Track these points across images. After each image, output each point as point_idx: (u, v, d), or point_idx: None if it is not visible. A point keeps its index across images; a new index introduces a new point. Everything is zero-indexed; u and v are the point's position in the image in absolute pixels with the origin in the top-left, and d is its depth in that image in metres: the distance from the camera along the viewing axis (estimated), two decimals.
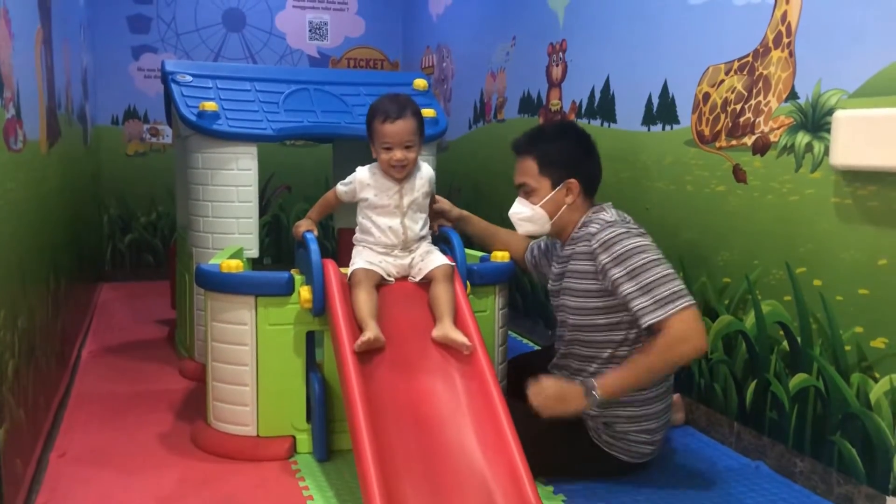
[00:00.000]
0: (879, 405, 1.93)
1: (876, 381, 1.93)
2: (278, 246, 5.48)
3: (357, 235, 2.30)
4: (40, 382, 2.32)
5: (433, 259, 2.22)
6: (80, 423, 2.55)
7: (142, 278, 5.19)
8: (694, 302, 1.94)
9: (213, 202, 2.85)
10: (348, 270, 2.21)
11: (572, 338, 2.17)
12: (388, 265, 2.23)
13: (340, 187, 2.31)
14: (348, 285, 2.18)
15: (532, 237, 2.53)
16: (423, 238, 2.29)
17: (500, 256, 2.53)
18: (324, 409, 2.25)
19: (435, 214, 2.46)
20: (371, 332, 2.01)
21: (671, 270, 1.97)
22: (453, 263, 2.24)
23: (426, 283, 2.21)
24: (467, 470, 1.88)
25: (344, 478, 2.14)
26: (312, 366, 2.31)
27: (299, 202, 5.51)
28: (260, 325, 2.26)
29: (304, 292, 2.21)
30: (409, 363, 2.11)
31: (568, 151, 2.18)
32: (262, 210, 5.18)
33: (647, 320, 1.93)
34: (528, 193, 2.22)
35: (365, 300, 2.10)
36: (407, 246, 2.26)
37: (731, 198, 2.42)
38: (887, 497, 1.91)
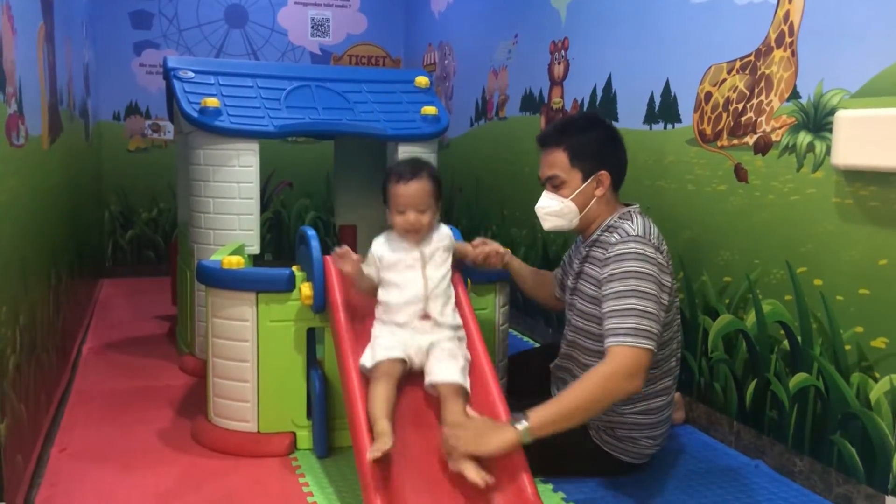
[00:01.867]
0: (879, 405, 1.93)
1: (876, 380, 1.94)
2: (279, 242, 5.49)
3: (378, 311, 2.10)
4: (41, 378, 2.32)
5: (447, 369, 1.96)
6: (80, 418, 2.55)
7: (143, 274, 5.19)
8: (654, 351, 1.89)
9: (214, 198, 2.85)
10: (367, 356, 2.00)
11: (573, 339, 2.17)
12: (408, 347, 2.00)
13: (365, 270, 2.11)
14: (367, 376, 1.99)
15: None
16: (448, 306, 2.08)
17: None
18: (324, 405, 2.25)
19: (482, 258, 2.33)
20: (385, 441, 1.78)
21: (656, 311, 1.90)
22: (465, 385, 1.96)
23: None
24: None
25: (344, 474, 2.14)
26: (313, 362, 2.32)
27: (301, 198, 5.51)
28: (261, 321, 2.26)
29: (306, 289, 2.21)
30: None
31: (598, 143, 2.13)
32: (264, 206, 5.18)
33: (610, 342, 1.87)
34: (558, 186, 2.14)
35: (382, 399, 1.89)
36: (429, 303, 2.04)
37: (732, 197, 2.42)
38: (886, 497, 1.92)
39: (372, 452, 1.76)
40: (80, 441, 2.36)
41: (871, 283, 1.95)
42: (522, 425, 1.78)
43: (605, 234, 2.10)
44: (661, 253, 2.01)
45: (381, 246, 2.12)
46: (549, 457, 2.03)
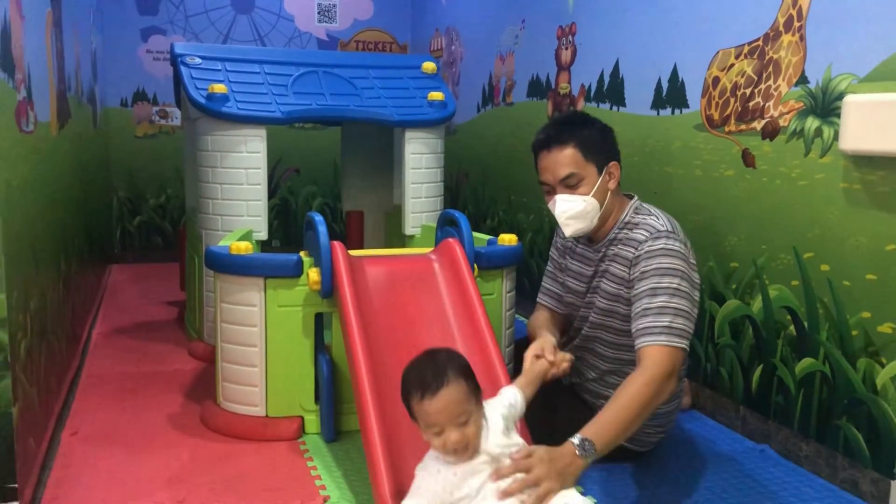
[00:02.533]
0: (885, 390, 1.93)
1: (882, 366, 1.94)
2: (287, 228, 5.50)
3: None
4: (52, 363, 2.35)
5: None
6: (91, 402, 2.58)
7: (151, 260, 5.21)
8: (687, 350, 1.87)
9: (222, 184, 2.86)
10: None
11: (592, 335, 2.13)
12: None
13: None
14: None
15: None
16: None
17: (508, 240, 2.54)
18: (332, 389, 2.27)
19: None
20: None
21: (689, 308, 1.88)
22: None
23: (435, 262, 2.04)
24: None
25: (352, 458, 2.16)
26: (321, 347, 2.33)
27: (308, 185, 5.52)
28: (269, 306, 2.27)
29: (313, 274, 2.22)
30: (417, 345, 2.11)
31: (602, 135, 2.08)
32: (271, 192, 5.19)
33: (645, 341, 1.84)
34: (576, 185, 2.01)
35: None
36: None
37: (739, 182, 2.42)
38: (892, 481, 1.92)
39: None
40: (91, 424, 2.39)
41: (879, 268, 1.95)
42: (587, 446, 1.65)
43: (626, 231, 2.04)
44: (688, 247, 1.99)
45: (430, 481, 1.61)
46: (558, 444, 2.04)
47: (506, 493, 1.57)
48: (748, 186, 2.38)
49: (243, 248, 2.29)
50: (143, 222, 5.33)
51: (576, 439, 1.67)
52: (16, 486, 1.76)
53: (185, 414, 2.48)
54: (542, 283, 2.34)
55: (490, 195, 4.37)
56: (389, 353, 2.07)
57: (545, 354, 1.91)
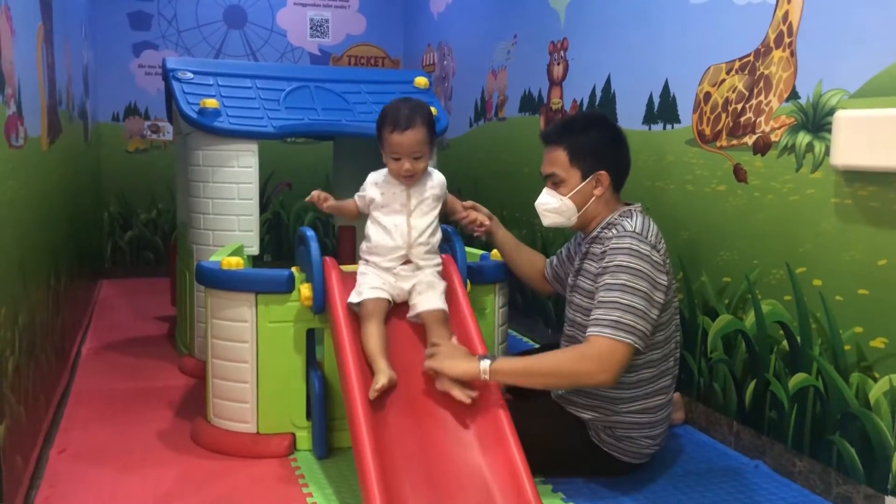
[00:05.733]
0: (879, 405, 1.93)
1: (875, 381, 1.94)
2: (279, 243, 5.49)
3: (363, 248, 2.22)
4: (40, 379, 2.32)
5: (428, 299, 2.11)
6: (79, 419, 2.55)
7: (142, 275, 5.19)
8: (635, 346, 1.91)
9: (213, 199, 2.85)
10: (355, 294, 2.13)
11: (571, 334, 2.18)
12: (392, 289, 2.14)
13: (357, 197, 2.26)
14: (356, 314, 2.12)
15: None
16: (429, 251, 2.18)
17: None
18: (323, 406, 2.25)
19: (468, 221, 2.44)
20: (384, 376, 1.94)
21: (644, 307, 1.92)
22: (445, 308, 2.13)
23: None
24: (466, 468, 1.88)
25: (343, 475, 2.14)
26: (312, 363, 2.32)
27: (299, 199, 5.49)
28: (260, 322, 2.26)
29: (305, 290, 2.21)
30: (409, 362, 2.11)
31: (598, 143, 2.14)
32: (263, 207, 5.18)
33: (591, 331, 1.92)
34: (557, 184, 2.17)
35: (375, 336, 2.04)
36: (412, 250, 2.15)
37: (731, 197, 2.42)
38: (886, 497, 1.92)
39: (372, 392, 1.91)
40: (79, 442, 2.36)
41: (871, 283, 1.95)
42: (486, 364, 1.92)
43: (605, 230, 2.12)
44: (658, 251, 2.02)
45: (374, 186, 2.20)
46: (548, 456, 2.04)
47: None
48: (740, 201, 2.39)
49: (234, 263, 2.28)
50: (134, 237, 5.31)
51: (486, 355, 1.98)
52: None
53: (175, 431, 2.46)
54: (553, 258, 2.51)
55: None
56: None
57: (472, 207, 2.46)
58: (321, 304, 2.19)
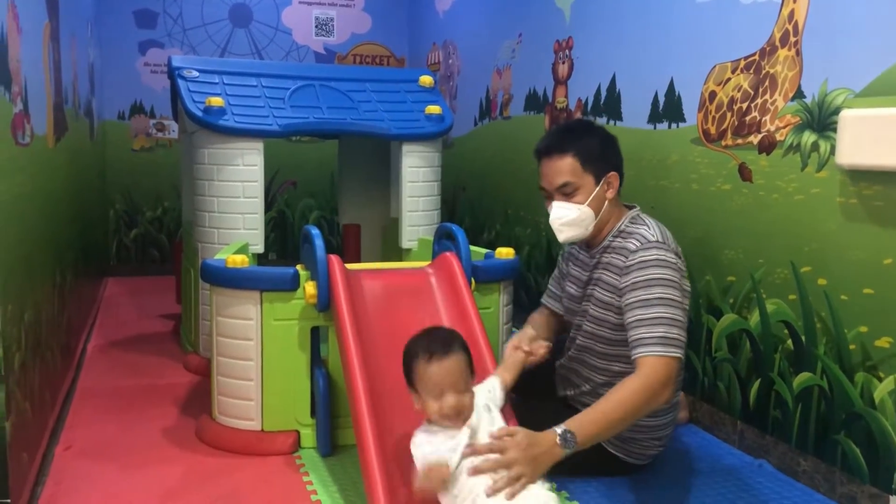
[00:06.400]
0: (884, 405, 1.92)
1: (880, 380, 1.93)
2: (283, 241, 5.49)
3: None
4: (46, 376, 2.33)
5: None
6: (85, 417, 2.56)
7: (147, 273, 5.20)
8: (682, 359, 1.88)
9: (218, 197, 2.86)
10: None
11: (584, 344, 2.15)
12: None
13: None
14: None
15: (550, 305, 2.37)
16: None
17: (505, 253, 2.53)
18: (328, 403, 2.25)
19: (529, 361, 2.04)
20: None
21: (682, 317, 1.91)
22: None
23: (432, 276, 2.11)
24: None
25: (348, 472, 2.14)
26: (317, 361, 2.32)
27: (304, 198, 5.52)
28: (265, 320, 2.26)
29: (310, 288, 2.21)
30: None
31: (603, 145, 2.12)
32: (268, 206, 5.19)
33: (640, 352, 1.86)
34: (571, 193, 2.06)
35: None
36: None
37: (736, 196, 2.42)
38: (891, 496, 1.91)
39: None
40: (85, 439, 2.37)
41: (876, 282, 1.94)
42: (570, 443, 1.70)
43: (620, 239, 2.07)
44: (680, 258, 2.01)
45: (422, 448, 1.70)
46: None
47: (477, 471, 1.63)
48: (745, 200, 2.38)
49: (239, 261, 2.28)
50: (140, 235, 5.32)
51: (559, 429, 1.72)
52: (8, 501, 1.74)
53: (180, 428, 2.47)
54: (548, 286, 2.41)
55: (487, 208, 4.37)
56: (386, 366, 2.06)
57: (521, 345, 2.03)
58: (326, 301, 2.19)
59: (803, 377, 2.17)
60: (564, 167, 2.07)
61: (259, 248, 2.88)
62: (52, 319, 2.50)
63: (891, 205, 1.90)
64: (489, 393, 1.86)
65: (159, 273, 5.11)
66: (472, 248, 2.47)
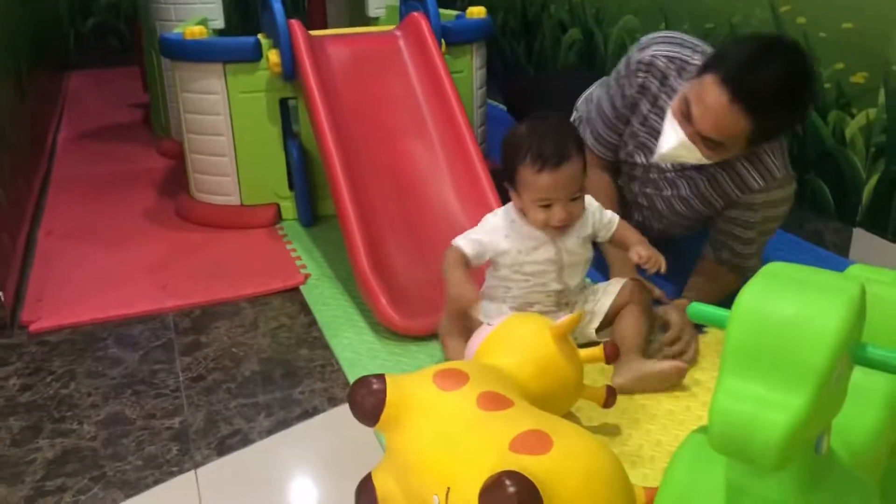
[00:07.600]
0: (854, 141, 1.94)
1: (853, 117, 1.93)
2: (247, 20, 5.23)
3: (485, 289, 1.61)
4: (17, 164, 2.30)
5: (611, 291, 1.59)
6: (64, 202, 2.56)
7: (110, 65, 4.99)
8: None
9: None
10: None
11: (663, 227, 1.88)
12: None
13: (467, 248, 1.49)
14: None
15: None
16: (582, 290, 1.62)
17: (477, 12, 2.43)
18: (304, 175, 2.25)
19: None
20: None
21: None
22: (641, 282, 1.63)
23: (400, 39, 2.03)
24: (448, 227, 1.91)
25: (331, 239, 2.17)
26: (290, 133, 2.29)
27: None
28: (231, 93, 2.20)
29: (273, 56, 2.13)
30: (386, 127, 2.09)
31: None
32: None
33: (749, 265, 1.70)
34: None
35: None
36: (561, 304, 1.58)
37: None
38: (854, 229, 1.98)
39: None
40: (66, 223, 2.38)
41: (857, 15, 1.89)
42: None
43: (747, 165, 1.64)
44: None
45: (499, 236, 1.51)
46: None
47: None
48: None
49: (198, 32, 2.18)
50: (97, 24, 5.05)
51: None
52: None
53: (160, 209, 2.47)
54: (594, 128, 1.86)
55: None
56: (359, 135, 2.04)
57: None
58: (291, 70, 2.12)
59: None
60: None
61: (219, 22, 2.74)
62: (12, 108, 2.43)
63: None
64: (592, 225, 1.54)
65: (123, 64, 4.88)
66: (442, 10, 2.36)
